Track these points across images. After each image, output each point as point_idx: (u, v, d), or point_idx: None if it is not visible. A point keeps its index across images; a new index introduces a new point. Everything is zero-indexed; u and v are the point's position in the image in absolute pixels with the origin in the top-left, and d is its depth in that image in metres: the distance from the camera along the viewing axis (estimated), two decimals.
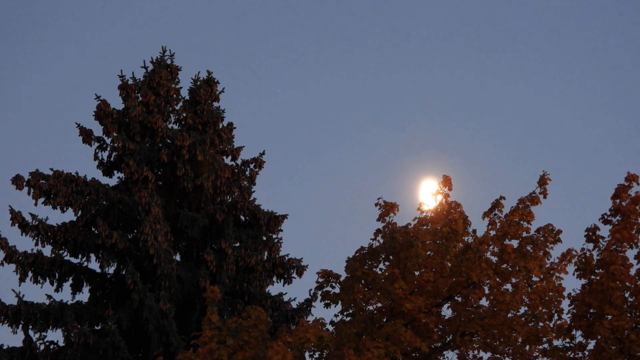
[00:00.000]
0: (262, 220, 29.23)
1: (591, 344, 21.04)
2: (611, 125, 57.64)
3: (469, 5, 59.00)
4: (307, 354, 20.80)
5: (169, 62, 30.85)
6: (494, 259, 21.44)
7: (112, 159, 29.50)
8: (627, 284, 20.79)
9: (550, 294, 21.77)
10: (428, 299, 21.23)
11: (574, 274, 21.65)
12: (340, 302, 22.10)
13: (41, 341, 26.13)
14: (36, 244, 27.23)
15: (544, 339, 21.52)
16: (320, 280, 22.53)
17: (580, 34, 58.59)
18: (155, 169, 29.42)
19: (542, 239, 21.46)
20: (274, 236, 29.50)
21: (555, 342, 21.61)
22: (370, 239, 22.23)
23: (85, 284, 27.92)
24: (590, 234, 21.79)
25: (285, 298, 28.46)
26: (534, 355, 21.62)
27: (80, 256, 27.88)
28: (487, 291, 21.48)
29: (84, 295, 27.92)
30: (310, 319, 27.36)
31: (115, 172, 29.63)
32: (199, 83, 30.70)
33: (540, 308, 21.67)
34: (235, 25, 61.04)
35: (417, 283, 21.53)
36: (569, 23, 58.43)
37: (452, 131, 56.17)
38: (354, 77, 60.28)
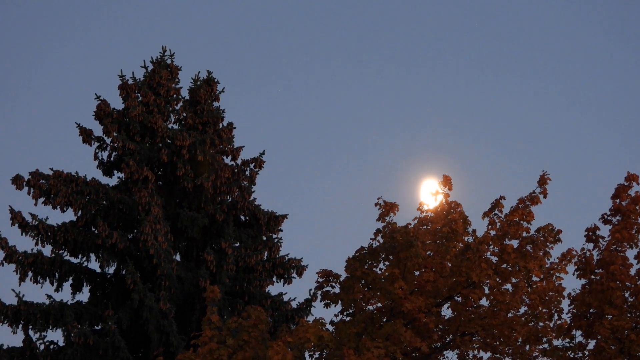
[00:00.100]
0: (262, 220, 29.23)
1: (591, 344, 21.06)
2: (611, 125, 57.67)
3: (468, 8, 59.04)
4: (307, 354, 20.80)
5: (169, 62, 30.85)
6: (494, 259, 21.44)
7: (112, 159, 29.50)
8: (627, 283, 20.79)
9: (550, 293, 21.77)
10: (428, 299, 21.23)
11: (574, 274, 21.66)
12: (340, 302, 22.10)
13: (41, 341, 26.13)
14: (36, 244, 27.25)
15: (544, 339, 21.53)
16: (320, 280, 22.53)
17: (579, 35, 58.61)
18: (155, 169, 29.42)
19: (542, 238, 21.46)
20: (274, 236, 29.51)
21: (555, 342, 21.63)
22: (370, 239, 22.26)
23: (85, 284, 27.92)
24: (590, 233, 21.79)
25: (285, 298, 28.48)
26: (534, 355, 21.62)
27: (80, 256, 27.88)
28: (487, 291, 21.48)
29: (84, 295, 27.97)
30: (310, 319, 27.38)
31: (115, 172, 29.63)
32: (199, 83, 30.70)
33: (540, 308, 21.67)
34: (236, 25, 61.06)
35: (417, 283, 21.53)
36: (568, 25, 58.44)
37: (452, 131, 56.19)
38: (354, 77, 60.31)
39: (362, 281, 21.71)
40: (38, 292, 32.48)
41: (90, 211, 27.74)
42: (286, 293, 28.65)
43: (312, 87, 61.00)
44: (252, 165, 30.07)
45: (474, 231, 21.95)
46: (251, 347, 20.10)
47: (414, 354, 21.47)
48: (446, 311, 22.03)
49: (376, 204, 22.38)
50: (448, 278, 21.39)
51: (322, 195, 58.06)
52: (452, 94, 58.58)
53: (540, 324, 21.61)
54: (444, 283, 21.36)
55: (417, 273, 21.75)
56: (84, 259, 27.88)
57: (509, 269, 21.26)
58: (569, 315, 21.54)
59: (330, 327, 21.82)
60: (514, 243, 21.52)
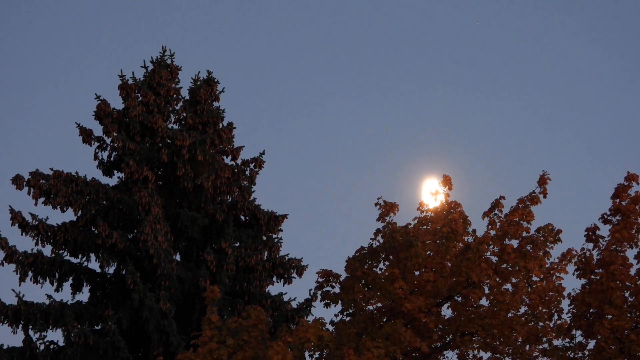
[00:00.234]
0: (262, 220, 29.23)
1: (591, 344, 21.06)
2: (611, 125, 57.68)
3: (471, 5, 59.03)
4: (307, 354, 20.80)
5: (169, 62, 30.85)
6: (494, 258, 21.44)
7: (112, 158, 29.49)
8: (627, 283, 20.79)
9: (550, 293, 21.77)
10: (428, 298, 21.23)
11: (574, 274, 21.66)
12: (340, 302, 22.11)
13: (41, 341, 26.13)
14: (36, 244, 27.24)
15: (544, 339, 21.53)
16: (320, 280, 22.54)
17: (580, 35, 58.60)
18: (155, 168, 29.42)
19: (542, 238, 21.46)
20: (274, 236, 29.50)
21: (555, 342, 21.63)
22: (370, 239, 22.27)
23: (85, 283, 27.92)
24: (590, 233, 21.79)
25: (285, 298, 28.47)
26: (534, 355, 21.63)
27: (80, 256, 27.88)
28: (487, 291, 21.49)
29: (84, 295, 27.96)
30: (310, 318, 27.37)
31: (115, 172, 29.63)
32: (199, 83, 30.70)
33: (540, 308, 21.67)
34: (236, 25, 61.05)
35: (417, 283, 21.54)
36: (568, 24, 58.44)
37: (452, 131, 56.19)
38: (355, 77, 60.31)
39: (362, 281, 21.71)
40: (38, 292, 32.58)
41: (90, 211, 27.74)
42: (286, 293, 28.67)
43: (312, 87, 61.04)
44: (252, 165, 30.06)
45: (474, 231, 21.95)
46: (251, 347, 20.10)
47: (414, 354, 21.47)
48: (446, 311, 22.06)
49: (376, 204, 22.39)
50: (448, 278, 21.39)
51: (322, 195, 58.08)
52: (452, 94, 58.60)
53: (540, 323, 21.61)
54: (444, 283, 21.37)
55: (417, 273, 21.75)
56: (84, 259, 27.89)
57: (509, 268, 21.26)
58: (569, 315, 21.54)
59: (330, 327, 21.83)
60: (514, 243, 21.52)
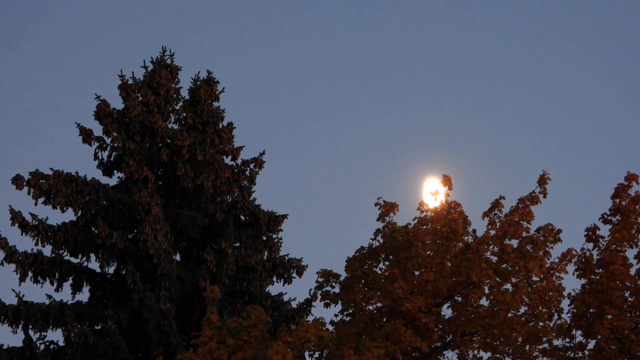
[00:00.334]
0: (262, 220, 29.23)
1: (591, 344, 21.06)
2: (611, 124, 57.68)
3: (474, 2, 59.06)
4: (307, 354, 20.80)
5: (169, 62, 30.85)
6: (494, 258, 21.44)
7: (112, 158, 29.49)
8: (627, 283, 20.79)
9: (550, 293, 21.77)
10: (428, 298, 21.24)
11: (573, 274, 21.66)
12: (340, 302, 22.11)
13: (41, 341, 26.13)
14: (36, 244, 27.25)
15: (544, 339, 21.53)
16: (320, 280, 22.54)
17: (582, 34, 58.62)
18: (155, 168, 29.42)
19: (542, 238, 21.46)
20: (274, 236, 29.50)
21: (555, 342, 21.63)
22: (370, 239, 22.27)
23: (85, 283, 27.92)
24: (590, 233, 21.79)
25: (285, 298, 28.47)
26: (534, 355, 21.63)
27: (80, 256, 27.88)
28: (487, 291, 21.49)
29: (84, 295, 27.96)
30: (310, 318, 27.36)
31: (115, 172, 29.63)
32: (199, 83, 30.69)
33: (540, 308, 21.67)
34: (236, 25, 61.05)
35: (417, 283, 21.54)
36: (572, 23, 58.46)
37: (452, 131, 56.19)
38: (355, 77, 60.31)
39: (362, 281, 21.71)
40: (38, 292, 32.55)
41: (90, 211, 27.74)
42: (286, 293, 28.67)
43: (312, 87, 61.04)
44: (252, 165, 30.06)
45: (474, 231, 21.95)
46: (251, 347, 20.10)
47: (414, 354, 21.48)
48: (446, 311, 22.06)
49: (376, 204, 22.40)
50: (448, 278, 21.40)
51: (322, 195, 58.08)
52: (453, 94, 58.61)
53: (540, 323, 21.61)
54: (444, 283, 21.37)
55: (417, 273, 21.75)
56: (84, 259, 27.90)
57: (509, 268, 21.27)
58: (569, 315, 21.54)
59: (330, 327, 21.83)
60: (514, 243, 21.53)
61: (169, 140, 29.31)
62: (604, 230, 21.73)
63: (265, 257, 28.76)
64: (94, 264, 27.93)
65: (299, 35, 61.38)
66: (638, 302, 20.55)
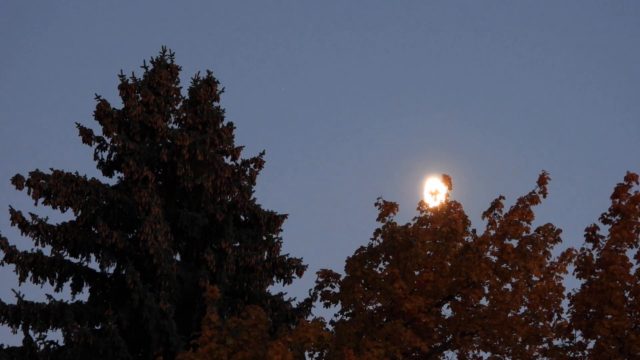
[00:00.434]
0: (262, 220, 29.23)
1: (591, 344, 21.06)
2: (611, 124, 57.69)
3: (474, 5, 59.04)
4: (307, 354, 20.80)
5: (169, 62, 30.84)
6: (494, 258, 21.44)
7: (112, 158, 29.49)
8: (626, 283, 20.80)
9: (550, 293, 21.77)
10: (428, 298, 21.24)
11: (573, 274, 21.66)
12: (340, 302, 22.11)
13: (41, 341, 26.13)
14: (36, 244, 27.25)
15: (544, 339, 21.53)
16: (320, 280, 22.54)
17: (581, 35, 58.61)
18: (155, 168, 29.42)
19: (541, 238, 21.46)
20: (274, 236, 29.49)
21: (555, 342, 21.64)
22: (370, 239, 22.28)
23: (85, 283, 27.92)
24: (590, 233, 21.80)
25: (285, 298, 28.47)
26: (534, 354, 21.63)
27: (80, 256, 27.88)
28: (487, 291, 21.49)
29: (84, 295, 27.96)
30: (310, 318, 27.35)
31: (115, 172, 29.62)
32: (199, 83, 30.69)
33: (540, 308, 21.67)
34: (236, 25, 61.07)
35: (417, 283, 21.54)
36: (571, 24, 58.45)
37: (452, 131, 56.20)
38: (355, 76, 60.31)
39: (362, 281, 21.71)
40: (38, 292, 32.52)
41: (90, 211, 27.74)
42: (286, 293, 28.67)
43: (312, 86, 61.04)
44: (252, 165, 30.05)
45: (474, 231, 21.95)
46: (251, 347, 20.11)
47: (414, 354, 21.48)
48: (446, 311, 22.06)
49: (376, 204, 22.40)
50: (448, 278, 21.40)
51: (322, 195, 58.09)
52: (454, 94, 58.61)
53: (540, 323, 21.61)
54: (443, 283, 21.37)
55: (417, 273, 21.75)
56: (84, 259, 27.90)
57: (509, 268, 21.26)
58: (569, 315, 21.54)
59: (330, 327, 21.83)
60: (514, 243, 21.53)
61: (169, 140, 29.31)
62: (604, 230, 21.76)
63: (265, 257, 28.76)
64: (94, 264, 27.98)
65: (299, 35, 61.41)
66: (638, 302, 20.56)
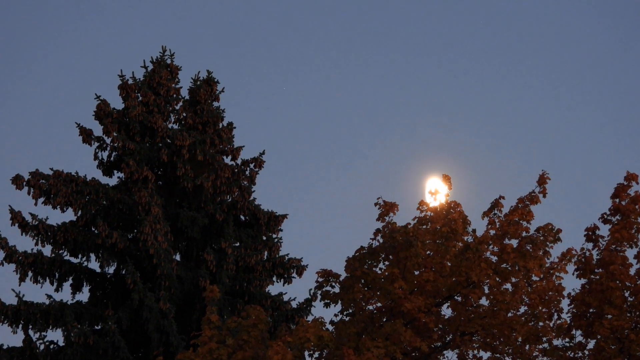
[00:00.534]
0: (262, 220, 29.23)
1: (591, 344, 21.06)
2: (611, 124, 57.69)
3: (470, 10, 59.06)
4: (307, 354, 20.80)
5: (169, 62, 30.84)
6: (494, 258, 21.44)
7: (112, 158, 29.49)
8: (626, 283, 20.79)
9: (550, 293, 21.76)
10: (428, 298, 21.24)
11: (573, 274, 21.66)
12: (340, 302, 22.11)
13: (41, 341, 26.14)
14: (36, 244, 27.25)
15: (544, 339, 21.52)
16: (320, 279, 22.53)
17: (580, 34, 58.62)
18: (155, 168, 29.42)
19: (541, 238, 21.46)
20: (274, 236, 29.49)
21: (555, 342, 21.63)
22: (370, 239, 22.27)
23: (85, 283, 27.93)
24: (590, 233, 21.79)
25: (285, 298, 28.48)
26: (534, 354, 21.62)
27: (80, 256, 27.88)
28: (486, 291, 21.48)
29: (84, 295, 27.97)
30: (310, 318, 27.35)
31: (115, 172, 29.63)
32: (199, 83, 30.69)
33: (540, 307, 21.66)
34: (236, 25, 61.06)
35: (416, 283, 21.54)
36: (568, 25, 58.45)
37: (452, 130, 56.20)
38: (355, 76, 60.31)
39: (362, 281, 21.71)
40: (38, 292, 32.48)
41: (90, 211, 27.75)
42: (286, 293, 28.68)
43: (312, 86, 61.04)
44: (252, 165, 30.05)
45: (474, 231, 21.94)
46: (251, 347, 20.11)
47: (414, 354, 21.47)
48: (446, 311, 22.05)
49: (376, 204, 22.40)
50: (448, 278, 21.39)
51: (322, 195, 58.10)
52: (453, 94, 58.61)
53: (540, 323, 21.60)
54: (443, 283, 21.36)
55: (417, 273, 21.75)
56: (84, 259, 27.90)
57: (509, 268, 21.26)
58: (569, 315, 21.53)
59: (330, 327, 21.83)
60: (514, 243, 21.52)
61: (169, 140, 29.31)
62: (604, 230, 21.75)
63: (265, 257, 28.76)
64: (94, 264, 27.99)
65: (299, 35, 61.41)
66: (638, 302, 20.56)
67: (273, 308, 28.19)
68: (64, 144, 55.31)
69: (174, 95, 30.58)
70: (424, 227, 21.90)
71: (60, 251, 27.57)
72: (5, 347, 26.01)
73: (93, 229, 28.03)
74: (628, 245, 21.30)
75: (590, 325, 20.78)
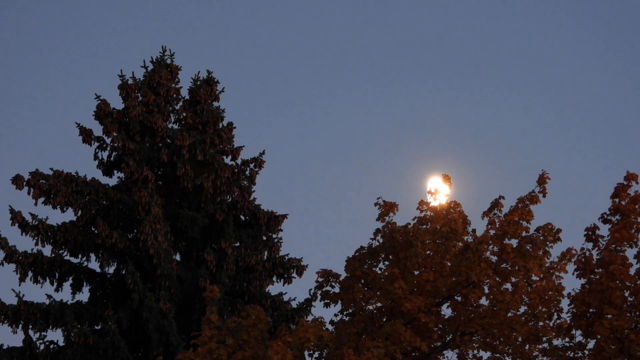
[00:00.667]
0: (262, 220, 29.23)
1: (591, 344, 21.06)
2: (611, 124, 57.69)
3: (472, 8, 59.04)
4: (306, 354, 20.80)
5: (169, 62, 30.83)
6: (494, 258, 21.44)
7: (112, 158, 29.49)
8: (626, 283, 20.80)
9: (550, 293, 21.76)
10: (428, 298, 21.24)
11: (573, 274, 21.66)
12: (340, 302, 22.12)
13: (41, 341, 26.14)
14: (36, 244, 27.25)
15: (544, 339, 21.52)
16: (320, 279, 22.54)
17: (580, 34, 58.62)
18: (155, 168, 29.42)
19: (541, 238, 21.46)
20: (274, 236, 29.49)
21: (555, 342, 21.63)
22: (370, 239, 22.27)
23: (85, 283, 27.93)
24: (590, 233, 21.79)
25: (285, 298, 28.47)
26: (534, 354, 21.63)
27: (80, 256, 27.89)
28: (486, 291, 21.49)
29: (84, 295, 27.97)
30: (310, 318, 27.34)
31: (115, 172, 29.63)
32: (199, 83, 30.69)
33: (539, 307, 21.66)
34: (236, 25, 61.06)
35: (416, 283, 21.54)
36: (569, 24, 58.44)
37: (452, 131, 56.19)
38: (355, 76, 60.31)
39: (362, 281, 21.72)
40: (38, 292, 32.48)
41: (90, 211, 27.75)
42: (286, 293, 28.67)
43: (312, 86, 61.05)
44: (252, 165, 30.04)
45: (474, 231, 21.95)
46: (251, 347, 20.11)
47: (413, 354, 21.48)
48: (446, 311, 22.06)
49: (376, 204, 22.40)
50: (448, 278, 21.40)
51: (322, 195, 58.10)
52: (453, 93, 58.61)
53: (540, 323, 21.60)
54: (443, 283, 21.37)
55: (416, 273, 21.75)
56: (84, 259, 27.90)
57: (509, 268, 21.26)
58: (569, 314, 21.54)
59: (330, 327, 21.83)
60: (514, 242, 21.52)
61: (169, 140, 29.31)
62: (604, 230, 21.76)
63: (265, 257, 28.76)
64: (94, 264, 27.99)
65: (299, 35, 61.41)
66: (638, 302, 20.56)
67: (273, 308, 28.19)
68: (64, 144, 55.36)
69: (174, 95, 30.58)
70: (424, 227, 21.90)
71: (60, 251, 27.58)
72: (5, 347, 26.01)
73: (93, 229, 28.03)
74: (628, 245, 21.30)
75: (590, 325, 20.78)
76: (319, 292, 22.55)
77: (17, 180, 27.54)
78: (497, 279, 21.27)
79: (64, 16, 59.63)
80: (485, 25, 59.33)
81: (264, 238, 29.38)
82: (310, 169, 59.62)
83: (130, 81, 29.80)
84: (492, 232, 21.73)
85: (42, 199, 27.78)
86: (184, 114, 30.35)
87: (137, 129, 29.12)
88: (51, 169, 28.00)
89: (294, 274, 28.94)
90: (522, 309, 21.75)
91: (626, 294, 20.82)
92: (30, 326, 26.12)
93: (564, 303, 21.96)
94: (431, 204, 22.28)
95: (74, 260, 27.77)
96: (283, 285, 29.01)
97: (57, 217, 28.63)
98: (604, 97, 58.18)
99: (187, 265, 28.38)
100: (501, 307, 21.19)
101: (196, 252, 28.89)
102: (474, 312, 21.54)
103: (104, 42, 59.05)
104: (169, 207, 28.86)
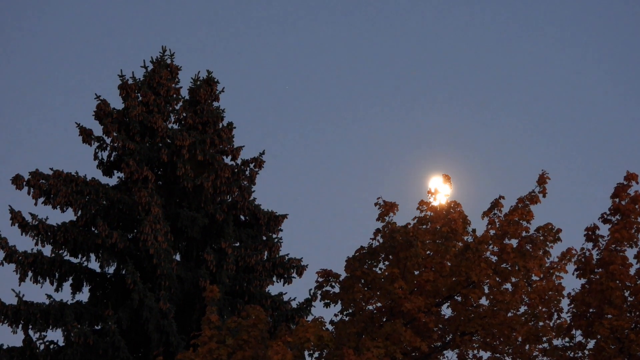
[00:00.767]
0: (262, 220, 29.23)
1: (591, 344, 21.05)
2: (611, 124, 57.69)
3: (472, 9, 59.08)
4: (306, 354, 20.80)
5: (169, 62, 30.83)
6: (494, 258, 21.44)
7: (112, 158, 29.49)
8: (626, 283, 20.79)
9: (550, 293, 21.76)
10: (428, 298, 21.24)
11: (573, 274, 21.65)
12: (340, 302, 22.12)
13: (41, 341, 26.15)
14: (36, 244, 27.26)
15: (544, 339, 21.52)
16: (320, 279, 22.54)
17: (583, 34, 58.62)
18: (155, 168, 29.42)
19: (541, 238, 21.46)
20: (274, 236, 29.49)
21: (555, 342, 21.63)
22: (370, 239, 22.28)
23: (85, 283, 27.93)
24: (590, 233, 21.78)
25: (285, 298, 28.47)
26: (534, 354, 21.63)
27: (80, 256, 27.89)
28: (486, 291, 21.49)
29: (84, 295, 27.97)
30: (310, 318, 27.34)
31: (115, 172, 29.63)
32: (198, 83, 30.68)
33: (540, 307, 21.66)
34: (236, 25, 61.07)
35: (416, 283, 21.54)
36: (573, 23, 58.46)
37: (453, 131, 56.20)
38: (355, 76, 60.31)
39: (362, 281, 21.72)
40: (38, 292, 32.53)
41: (90, 211, 27.75)
42: (286, 293, 28.68)
43: (312, 87, 61.05)
44: (252, 165, 30.05)
45: (474, 231, 21.95)
46: (251, 347, 20.11)
47: (413, 354, 21.48)
48: (446, 311, 22.07)
49: (376, 204, 22.40)
50: (448, 278, 21.39)
51: (322, 195, 58.11)
52: (453, 94, 58.63)
53: (540, 323, 21.60)
54: (443, 283, 21.37)
55: (416, 273, 21.75)
56: (84, 258, 27.91)
57: (509, 268, 21.26)
58: (569, 314, 21.53)
59: (330, 327, 21.84)
60: (514, 242, 21.52)
61: (169, 140, 29.31)
62: (604, 230, 21.75)
63: (265, 257, 28.76)
64: (94, 264, 27.99)
65: (299, 35, 61.42)
66: (638, 301, 20.55)
67: (273, 308, 28.19)
68: (64, 144, 55.38)
69: (174, 95, 30.58)
70: (424, 227, 21.90)
71: (60, 251, 27.58)
72: (5, 347, 26.02)
73: (93, 229, 28.03)
74: (628, 245, 21.29)
75: (590, 325, 20.77)
76: (319, 292, 22.55)
77: (17, 180, 27.54)
78: (497, 279, 21.27)
79: (64, 16, 59.66)
80: (485, 27, 59.35)
81: (264, 238, 29.38)
82: (310, 169, 59.67)
83: (130, 81, 29.80)
84: (492, 232, 21.73)
85: (42, 199, 27.79)
86: (184, 114, 30.35)
87: (137, 129, 29.12)
88: (51, 169, 28.02)
89: (294, 274, 28.94)
90: (522, 309, 21.75)
91: (626, 294, 20.81)
92: (30, 326, 26.13)
93: (564, 303, 21.98)
94: (431, 204, 22.28)
95: (74, 260, 27.79)
96: (283, 285, 29.05)
97: (57, 217, 28.68)
98: (604, 97, 58.22)
99: (187, 265, 28.38)
100: (501, 307, 21.20)
101: (196, 252, 28.90)
102: (474, 312, 21.55)
103: (104, 42, 59.10)
104: (169, 207, 28.86)
